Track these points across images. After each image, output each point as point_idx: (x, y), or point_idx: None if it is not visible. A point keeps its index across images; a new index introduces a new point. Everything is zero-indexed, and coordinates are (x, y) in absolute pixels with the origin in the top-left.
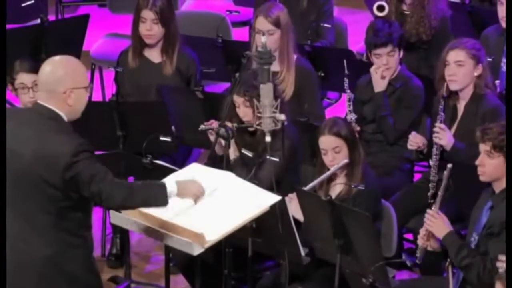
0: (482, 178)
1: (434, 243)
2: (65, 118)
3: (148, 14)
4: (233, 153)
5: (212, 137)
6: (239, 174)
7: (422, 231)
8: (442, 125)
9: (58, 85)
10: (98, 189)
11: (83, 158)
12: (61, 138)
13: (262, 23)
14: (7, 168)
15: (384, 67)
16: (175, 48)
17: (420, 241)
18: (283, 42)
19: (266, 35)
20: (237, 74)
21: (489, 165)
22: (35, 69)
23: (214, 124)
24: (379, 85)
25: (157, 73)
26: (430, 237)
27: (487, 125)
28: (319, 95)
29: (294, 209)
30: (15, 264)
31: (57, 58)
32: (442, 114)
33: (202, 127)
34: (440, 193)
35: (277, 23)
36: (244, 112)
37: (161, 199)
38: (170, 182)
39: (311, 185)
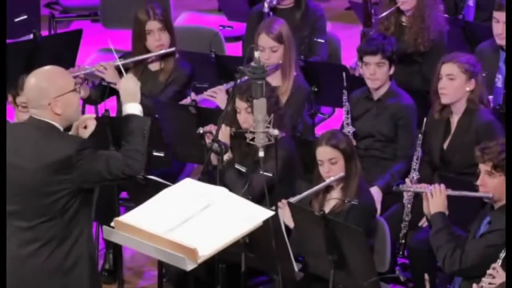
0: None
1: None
2: (61, 128)
3: (154, 25)
4: (226, 155)
5: (208, 141)
6: (230, 176)
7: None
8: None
9: (41, 99)
10: (119, 169)
11: (87, 154)
12: (60, 143)
13: (265, 40)
14: (9, 183)
15: (371, 77)
16: (174, 55)
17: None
18: (286, 57)
19: (269, 52)
20: (231, 83)
21: (491, 184)
22: None
23: (212, 128)
24: None
25: (151, 80)
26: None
27: (486, 144)
28: (300, 112)
29: (286, 216)
30: (20, 277)
31: (37, 71)
32: (419, 149)
33: (200, 129)
34: None
35: (280, 39)
36: (244, 118)
37: (144, 122)
38: (127, 106)
39: (302, 195)
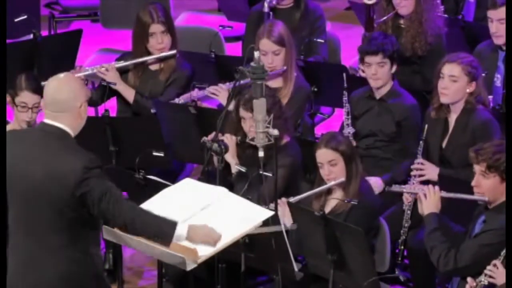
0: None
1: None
2: (72, 135)
3: (157, 28)
4: (234, 168)
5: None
6: (240, 188)
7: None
8: (421, 160)
9: (76, 101)
10: (107, 208)
11: (94, 175)
12: (71, 156)
13: (267, 44)
14: (16, 190)
15: (373, 77)
16: (175, 56)
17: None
18: (288, 59)
19: (271, 55)
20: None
21: (485, 185)
22: (40, 91)
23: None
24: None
25: (152, 80)
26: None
27: (480, 145)
28: (301, 113)
29: (285, 214)
30: (28, 283)
31: (61, 77)
32: (420, 156)
33: (204, 139)
34: None
35: (281, 42)
36: (250, 125)
37: (165, 237)
38: (182, 225)
39: (301, 196)
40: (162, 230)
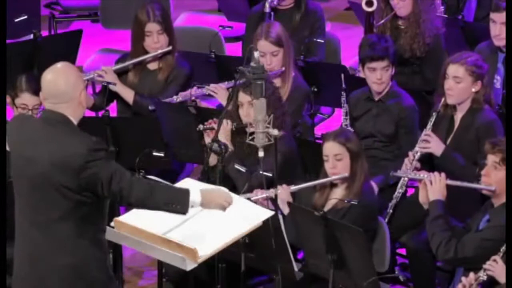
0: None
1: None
2: (75, 122)
3: (153, 27)
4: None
5: (208, 139)
6: (233, 168)
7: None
8: (429, 132)
9: (75, 91)
10: (119, 187)
11: (98, 157)
12: (74, 139)
13: (265, 45)
14: (23, 177)
15: (378, 81)
16: (173, 55)
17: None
18: (286, 60)
19: (270, 56)
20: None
21: (495, 177)
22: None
23: (213, 124)
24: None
25: (151, 79)
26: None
27: (497, 139)
28: (299, 112)
29: (282, 201)
30: (35, 274)
31: (57, 69)
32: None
33: (200, 126)
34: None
35: (279, 43)
36: (247, 111)
37: (182, 206)
38: (194, 190)
39: (302, 185)
40: (177, 198)
